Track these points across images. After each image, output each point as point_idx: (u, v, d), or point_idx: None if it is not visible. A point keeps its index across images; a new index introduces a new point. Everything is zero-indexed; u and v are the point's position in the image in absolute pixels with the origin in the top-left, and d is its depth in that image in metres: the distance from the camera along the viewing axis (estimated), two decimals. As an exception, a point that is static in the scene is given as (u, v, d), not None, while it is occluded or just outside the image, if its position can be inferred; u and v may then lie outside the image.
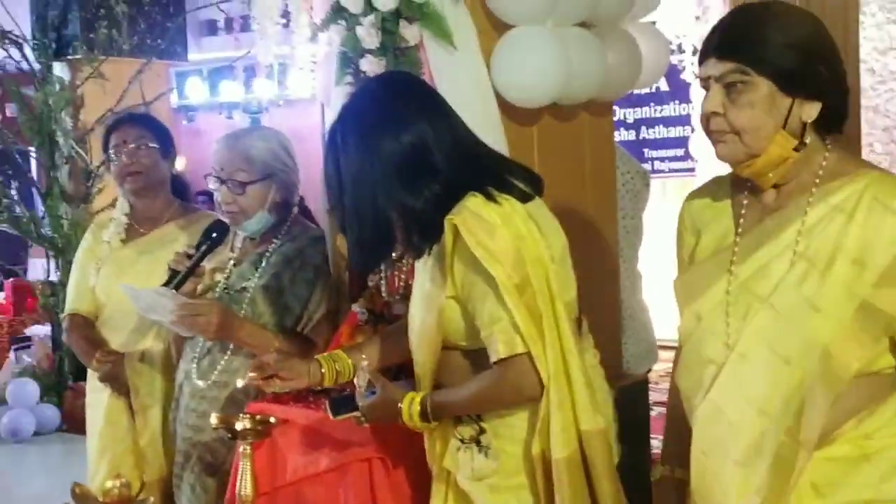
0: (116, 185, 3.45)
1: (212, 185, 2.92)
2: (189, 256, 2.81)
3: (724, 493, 1.91)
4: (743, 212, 1.96)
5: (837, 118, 1.88)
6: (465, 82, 2.78)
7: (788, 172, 1.88)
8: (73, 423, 6.21)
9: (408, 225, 2.19)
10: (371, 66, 2.74)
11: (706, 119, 1.88)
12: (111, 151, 3.35)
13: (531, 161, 2.93)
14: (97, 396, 3.40)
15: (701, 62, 1.89)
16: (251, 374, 2.46)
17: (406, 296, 2.69)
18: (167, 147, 3.42)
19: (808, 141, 1.85)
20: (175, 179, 3.51)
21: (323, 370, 2.46)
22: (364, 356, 2.39)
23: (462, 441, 2.24)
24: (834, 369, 1.81)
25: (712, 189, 2.06)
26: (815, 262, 1.82)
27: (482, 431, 2.23)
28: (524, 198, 2.18)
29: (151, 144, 3.35)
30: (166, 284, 2.77)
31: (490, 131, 2.75)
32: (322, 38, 3.06)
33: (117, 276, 3.34)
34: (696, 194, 2.10)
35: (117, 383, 3.29)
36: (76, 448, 3.54)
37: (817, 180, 1.86)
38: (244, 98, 10.68)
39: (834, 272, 1.80)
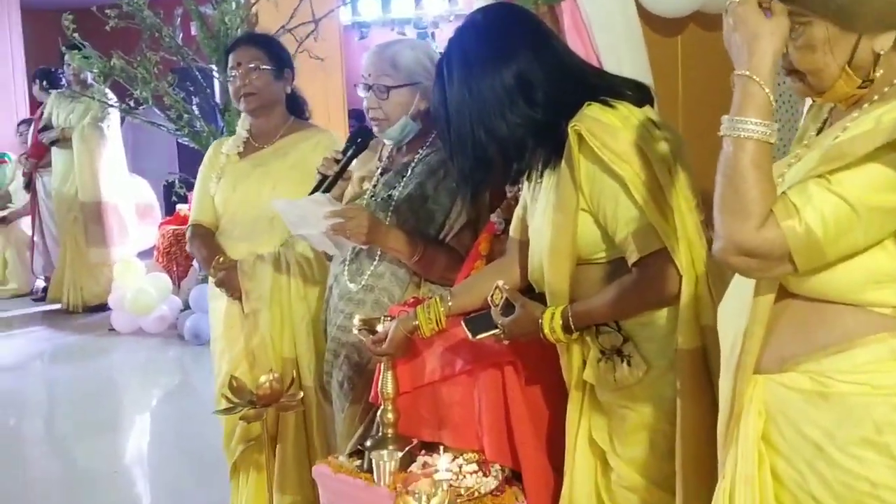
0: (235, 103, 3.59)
1: (360, 92, 3.02)
2: (336, 161, 2.93)
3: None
4: (827, 117, 1.90)
5: None
6: (606, -6, 2.77)
7: (865, 95, 1.76)
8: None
9: (510, 152, 2.26)
10: (514, -22, 2.76)
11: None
12: (229, 72, 3.50)
13: (675, 73, 2.92)
14: (216, 303, 3.62)
15: None
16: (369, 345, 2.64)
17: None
18: (281, 68, 3.52)
19: (877, 74, 1.72)
20: (291, 97, 3.61)
21: (416, 322, 2.57)
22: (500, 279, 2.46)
23: (603, 352, 2.30)
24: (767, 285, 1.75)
25: None
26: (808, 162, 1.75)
27: (624, 340, 2.28)
28: (638, 104, 2.22)
29: (264, 66, 3.46)
30: (315, 190, 2.91)
31: (630, 44, 2.75)
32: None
33: (232, 188, 3.53)
34: None
35: (231, 288, 3.47)
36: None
37: (876, 97, 1.74)
38: (415, 13, 10.77)
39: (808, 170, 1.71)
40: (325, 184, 2.90)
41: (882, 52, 1.70)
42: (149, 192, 9.81)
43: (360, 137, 2.98)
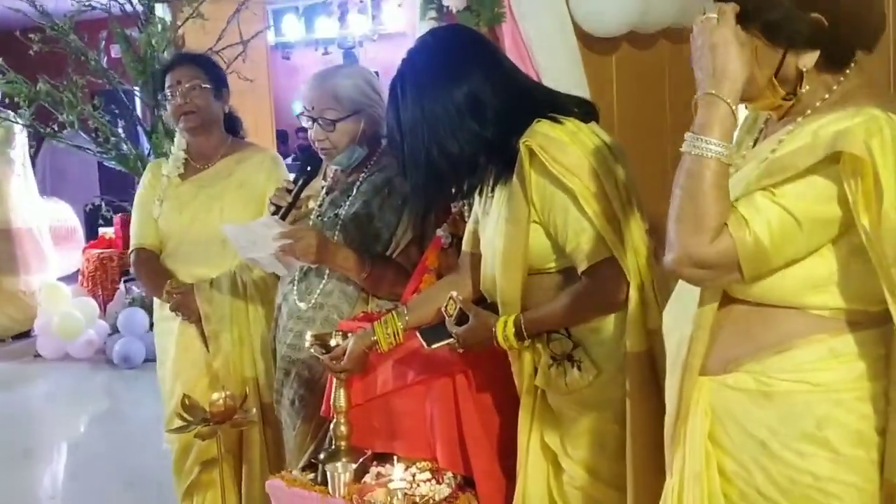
0: (173, 123, 3.59)
1: (304, 123, 3.07)
2: (289, 191, 2.98)
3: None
4: (761, 132, 1.96)
5: (853, 53, 1.80)
6: (544, 14, 2.88)
7: (792, 107, 1.83)
8: (182, 351, 6.57)
9: (461, 168, 2.35)
10: (454, 1, 2.86)
11: None
12: (167, 91, 3.49)
13: (609, 89, 3.03)
14: (167, 325, 3.60)
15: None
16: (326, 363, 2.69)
17: (488, 221, 2.84)
18: (220, 87, 3.54)
19: (804, 90, 1.79)
20: (227, 117, 3.63)
21: (374, 338, 2.63)
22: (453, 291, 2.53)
23: (554, 358, 2.39)
24: (711, 291, 1.82)
25: None
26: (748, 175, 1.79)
27: (574, 346, 2.37)
28: (584, 120, 2.33)
29: (204, 85, 3.47)
30: None
31: (569, 62, 2.86)
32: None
33: (178, 210, 3.53)
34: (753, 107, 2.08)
35: (188, 312, 3.47)
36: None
37: (809, 111, 1.80)
38: (339, 33, 10.83)
39: (749, 182, 1.77)
40: (280, 214, 2.94)
41: (805, 69, 1.77)
42: (70, 216, 9.70)
43: (310, 165, 3.03)
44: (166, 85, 3.50)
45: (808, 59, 1.77)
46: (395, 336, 2.61)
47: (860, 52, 1.83)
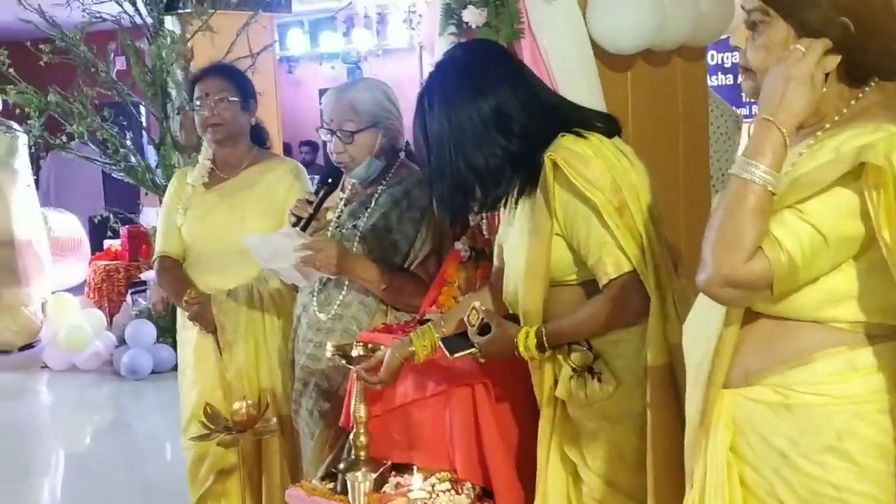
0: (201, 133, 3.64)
1: (323, 136, 3.12)
2: (309, 202, 3.02)
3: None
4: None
5: (875, 69, 1.83)
6: (562, 31, 2.91)
7: (811, 116, 1.83)
8: (188, 363, 6.59)
9: (487, 180, 2.38)
10: (473, 16, 2.89)
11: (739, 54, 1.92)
12: (196, 101, 3.54)
13: (625, 105, 3.07)
14: (187, 334, 3.64)
15: None
16: (363, 376, 2.69)
17: (506, 234, 2.88)
18: (247, 99, 3.58)
19: (823, 91, 1.79)
20: (254, 128, 3.67)
21: (412, 349, 2.64)
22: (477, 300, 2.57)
23: (574, 370, 2.41)
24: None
25: None
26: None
27: (595, 358, 2.39)
28: (607, 135, 2.37)
29: (232, 98, 3.52)
30: None
31: (586, 78, 2.90)
32: (426, -10, 3.22)
33: (202, 219, 3.57)
34: None
35: (205, 322, 3.51)
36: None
37: (828, 125, 1.83)
38: (344, 48, 10.88)
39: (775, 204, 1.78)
40: (300, 225, 2.98)
41: (826, 73, 1.79)
42: (76, 227, 9.73)
43: (331, 178, 3.07)
44: (195, 96, 3.54)
45: (830, 62, 1.79)
46: (432, 347, 2.63)
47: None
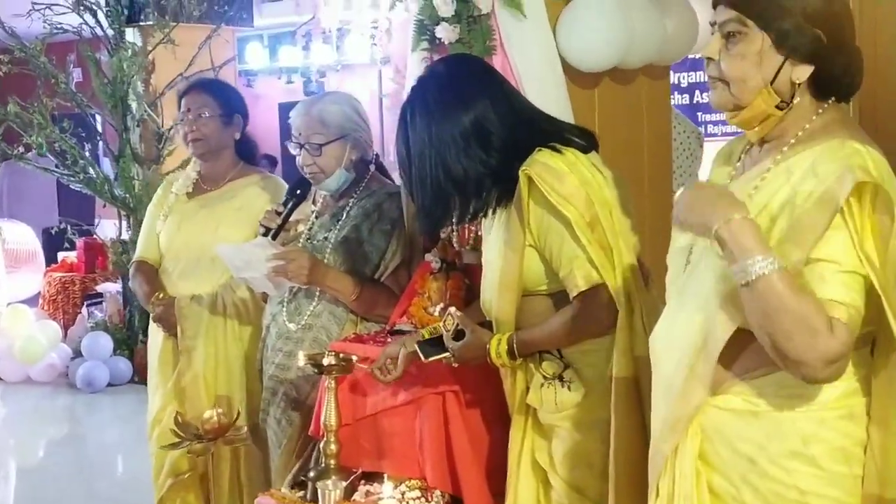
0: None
1: (292, 149, 3.15)
2: (278, 213, 3.06)
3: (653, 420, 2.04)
4: (738, 163, 2.02)
5: (838, 85, 1.89)
6: (533, 48, 2.97)
7: (775, 129, 1.90)
8: (144, 376, 6.49)
9: (467, 192, 2.43)
10: (446, 33, 2.94)
11: (705, 64, 1.96)
12: (179, 115, 3.59)
13: (592, 121, 3.14)
14: (154, 340, 3.68)
15: (714, 7, 1.92)
16: (376, 372, 2.73)
17: (475, 247, 2.93)
18: (230, 114, 3.60)
19: (795, 101, 1.87)
20: (242, 141, 3.69)
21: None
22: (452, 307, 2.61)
23: (545, 378, 2.46)
24: (731, 316, 1.83)
25: (740, 138, 2.11)
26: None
27: (565, 367, 2.45)
28: (584, 150, 2.43)
29: (211, 113, 3.54)
30: None
31: (556, 94, 2.96)
32: (384, 5, 3.26)
33: (178, 226, 3.61)
34: (729, 142, 2.16)
35: (167, 324, 3.55)
36: (147, 398, 3.80)
37: (793, 140, 1.88)
38: (303, 63, 10.88)
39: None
40: (269, 236, 3.03)
41: (798, 82, 1.86)
42: (31, 239, 9.64)
43: (300, 189, 3.11)
44: (180, 110, 3.60)
45: (803, 72, 1.85)
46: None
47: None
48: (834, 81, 1.89)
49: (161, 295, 3.55)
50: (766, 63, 1.86)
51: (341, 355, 2.80)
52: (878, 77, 5.10)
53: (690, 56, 6.46)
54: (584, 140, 2.47)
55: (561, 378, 2.45)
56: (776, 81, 1.87)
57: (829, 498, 1.84)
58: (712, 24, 1.94)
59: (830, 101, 1.91)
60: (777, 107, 1.88)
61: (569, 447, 2.46)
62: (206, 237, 3.48)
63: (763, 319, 1.73)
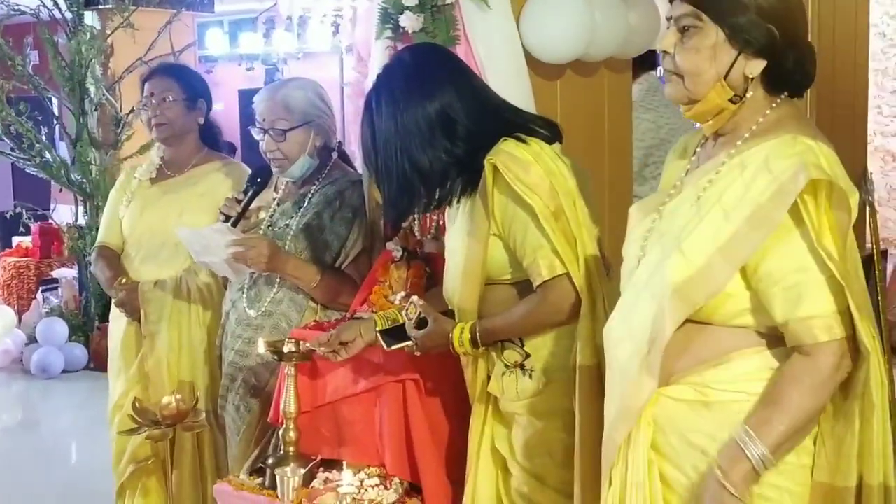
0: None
1: (256, 134, 3.14)
2: (238, 201, 3.05)
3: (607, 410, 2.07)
4: (693, 157, 2.05)
5: (790, 80, 1.94)
6: (496, 39, 2.98)
7: (728, 123, 1.94)
8: (100, 362, 6.48)
9: (432, 181, 2.44)
10: (410, 22, 2.93)
11: (661, 58, 1.99)
12: (143, 100, 3.57)
13: (554, 113, 3.15)
14: (116, 325, 3.66)
15: (670, 1, 1.96)
16: (320, 349, 2.71)
17: (436, 236, 2.94)
18: (194, 98, 3.59)
19: (748, 95, 1.91)
20: (206, 127, 3.68)
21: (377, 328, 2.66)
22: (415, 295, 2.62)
23: (507, 366, 2.48)
24: (680, 308, 1.87)
25: (695, 132, 2.15)
26: (700, 209, 1.88)
27: (526, 356, 2.46)
28: (548, 141, 2.45)
29: (175, 98, 3.53)
30: None
31: (518, 85, 2.97)
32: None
33: (141, 212, 3.59)
34: (687, 136, 2.20)
35: (130, 309, 3.53)
36: (102, 385, 3.79)
37: (747, 135, 1.91)
38: (263, 50, 10.83)
39: (706, 220, 1.85)
40: (229, 223, 3.02)
41: (752, 77, 1.90)
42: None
43: (259, 177, 3.11)
44: (143, 95, 3.57)
45: (756, 66, 1.89)
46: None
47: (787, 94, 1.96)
48: (787, 76, 1.93)
49: (124, 280, 3.53)
50: (720, 57, 1.89)
51: (301, 342, 2.80)
52: (837, 69, 5.19)
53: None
54: (549, 131, 2.48)
55: (522, 367, 2.47)
56: (730, 75, 1.90)
57: (778, 488, 1.87)
58: (668, 19, 1.97)
59: (783, 96, 1.95)
60: (730, 100, 1.92)
61: (529, 435, 2.48)
62: (169, 222, 3.46)
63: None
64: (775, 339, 1.88)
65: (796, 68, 1.92)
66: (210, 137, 3.71)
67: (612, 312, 2.05)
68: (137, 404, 2.89)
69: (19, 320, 7.97)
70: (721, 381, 1.90)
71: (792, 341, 1.84)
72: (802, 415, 1.83)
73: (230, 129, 8.66)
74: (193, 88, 3.61)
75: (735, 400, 1.88)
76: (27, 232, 8.47)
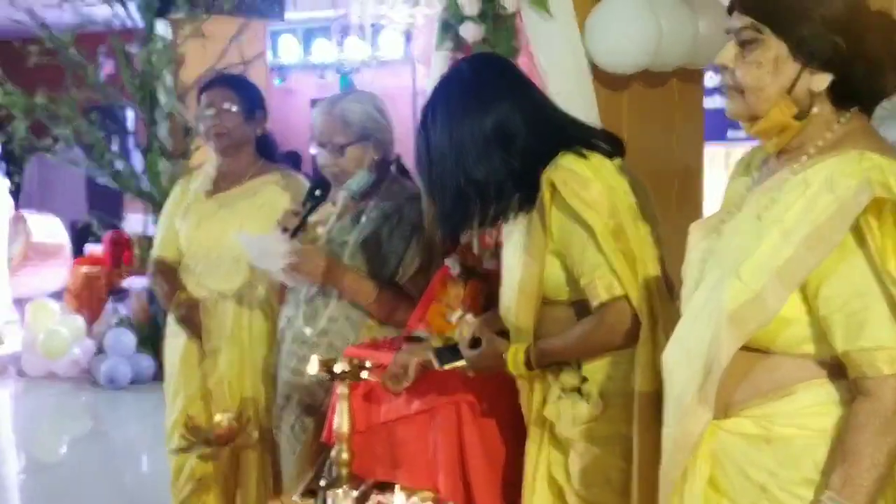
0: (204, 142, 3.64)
1: (313, 149, 3.11)
2: (296, 213, 3.00)
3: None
4: (755, 175, 1.94)
5: (860, 94, 1.82)
6: (559, 48, 2.90)
7: (794, 139, 1.83)
8: (167, 374, 6.51)
9: (488, 195, 2.36)
10: (470, 32, 2.88)
11: (720, 72, 1.88)
12: (201, 110, 3.54)
13: (620, 126, 3.05)
14: (175, 342, 3.62)
15: (729, 13, 1.85)
16: (388, 385, 2.67)
17: (496, 252, 2.85)
18: (252, 109, 3.55)
19: (813, 111, 1.80)
20: (262, 139, 3.64)
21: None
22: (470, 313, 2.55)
23: (563, 390, 2.40)
24: (735, 335, 1.78)
25: (760, 147, 2.01)
26: (760, 229, 1.79)
27: (583, 380, 2.37)
28: (609, 156, 2.35)
29: (234, 108, 3.49)
30: None
31: (582, 96, 2.89)
32: (422, 1, 3.19)
33: (198, 225, 3.56)
34: (751, 150, 2.07)
35: (192, 326, 3.50)
36: (169, 398, 3.76)
37: (812, 151, 1.80)
38: (337, 58, 10.84)
39: (766, 241, 1.76)
40: (287, 236, 2.97)
41: (817, 91, 1.79)
42: (59, 231, 9.65)
43: (318, 190, 3.06)
44: (202, 105, 3.55)
45: (821, 80, 1.78)
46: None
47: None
48: (855, 91, 1.81)
49: (183, 296, 3.51)
50: (783, 71, 1.79)
51: (355, 361, 2.73)
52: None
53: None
54: (611, 145, 2.38)
55: (579, 391, 2.37)
56: (793, 91, 1.80)
57: None
58: (727, 31, 1.86)
59: (853, 110, 1.83)
60: (795, 117, 1.81)
61: (586, 463, 2.38)
62: (227, 237, 3.40)
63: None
64: (839, 368, 1.77)
65: (866, 82, 1.81)
66: (266, 149, 3.67)
67: (671, 338, 1.96)
68: (191, 422, 2.85)
69: (89, 330, 8.04)
70: (783, 415, 1.80)
71: (854, 372, 1.73)
72: (882, 459, 1.71)
73: (301, 138, 8.69)
74: (251, 99, 3.57)
75: (798, 435, 1.79)
76: (98, 240, 8.56)
